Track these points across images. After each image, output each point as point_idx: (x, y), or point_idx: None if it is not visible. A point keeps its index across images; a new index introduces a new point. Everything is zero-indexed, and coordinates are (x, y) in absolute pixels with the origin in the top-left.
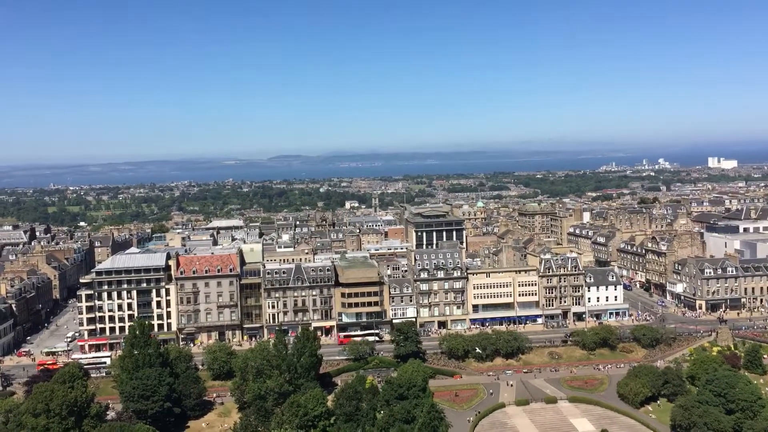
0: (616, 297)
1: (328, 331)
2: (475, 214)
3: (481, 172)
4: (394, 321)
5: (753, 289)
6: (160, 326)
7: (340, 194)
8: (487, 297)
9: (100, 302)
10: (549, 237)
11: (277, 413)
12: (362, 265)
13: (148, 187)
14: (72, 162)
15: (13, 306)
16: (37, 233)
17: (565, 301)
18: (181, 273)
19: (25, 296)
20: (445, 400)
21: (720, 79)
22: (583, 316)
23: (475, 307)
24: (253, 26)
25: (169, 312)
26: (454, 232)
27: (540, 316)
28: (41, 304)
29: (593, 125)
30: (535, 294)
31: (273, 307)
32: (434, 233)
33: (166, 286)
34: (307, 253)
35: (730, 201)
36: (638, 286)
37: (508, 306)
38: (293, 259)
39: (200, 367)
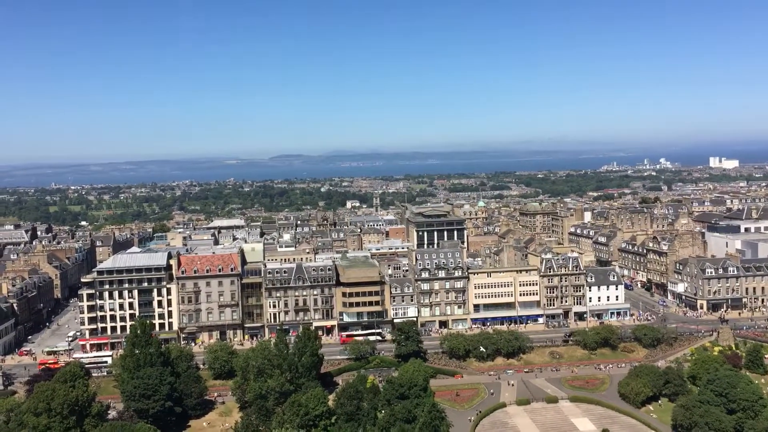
0: (617, 297)
1: (329, 331)
2: (476, 214)
3: (482, 171)
4: (395, 320)
5: (754, 288)
6: (162, 325)
7: (341, 194)
8: (488, 297)
9: (102, 301)
10: (550, 237)
11: (278, 413)
12: (363, 264)
13: (149, 186)
14: (73, 161)
15: (15, 305)
16: (39, 233)
17: (566, 301)
18: (183, 272)
19: (26, 295)
20: (446, 400)
21: (720, 79)
22: (585, 315)
23: (476, 307)
24: (253, 26)
25: (171, 311)
26: (455, 232)
27: (541, 315)
28: (42, 303)
29: (593, 125)
30: (536, 294)
31: (274, 306)
32: (435, 233)
33: (168, 286)
34: (308, 253)
35: (732, 201)
36: (639, 285)
37: (509, 306)
38: (294, 259)
39: (201, 366)
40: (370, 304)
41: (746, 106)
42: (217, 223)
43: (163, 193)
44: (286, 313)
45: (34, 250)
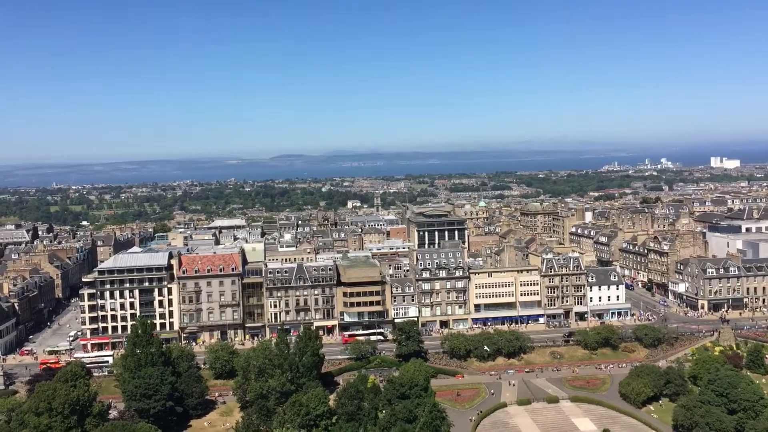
0: (618, 297)
1: (329, 331)
2: (477, 214)
3: (483, 171)
4: (395, 320)
5: (755, 288)
6: (162, 325)
7: (342, 194)
8: (489, 296)
9: (103, 301)
10: (551, 237)
11: (279, 412)
12: (364, 264)
13: (150, 186)
14: (74, 161)
15: (16, 305)
16: (40, 232)
17: (567, 301)
18: (183, 272)
19: (27, 295)
20: (447, 400)
21: (720, 79)
22: (585, 315)
23: (477, 307)
24: (253, 26)
25: (171, 311)
26: (456, 232)
27: (542, 315)
28: (44, 303)
29: (594, 125)
30: (537, 294)
31: (275, 306)
32: (436, 233)
33: (169, 286)
34: (309, 253)
35: (733, 201)
36: (640, 285)
37: (510, 305)
38: (295, 259)
39: (202, 366)
40: (371, 304)
41: (747, 106)
42: (218, 223)
43: (164, 193)
44: (287, 312)
45: (35, 250)
